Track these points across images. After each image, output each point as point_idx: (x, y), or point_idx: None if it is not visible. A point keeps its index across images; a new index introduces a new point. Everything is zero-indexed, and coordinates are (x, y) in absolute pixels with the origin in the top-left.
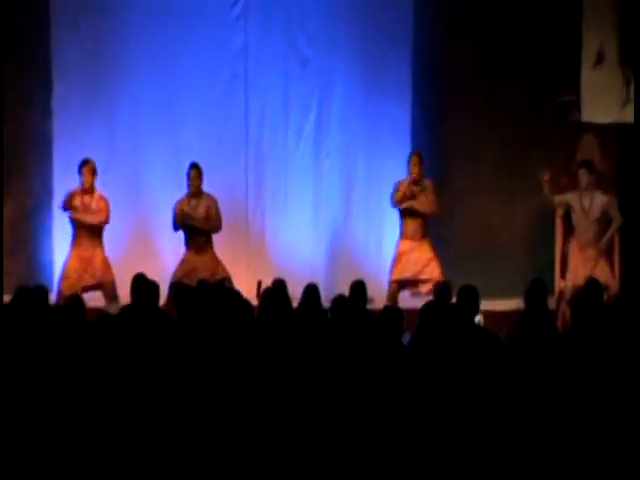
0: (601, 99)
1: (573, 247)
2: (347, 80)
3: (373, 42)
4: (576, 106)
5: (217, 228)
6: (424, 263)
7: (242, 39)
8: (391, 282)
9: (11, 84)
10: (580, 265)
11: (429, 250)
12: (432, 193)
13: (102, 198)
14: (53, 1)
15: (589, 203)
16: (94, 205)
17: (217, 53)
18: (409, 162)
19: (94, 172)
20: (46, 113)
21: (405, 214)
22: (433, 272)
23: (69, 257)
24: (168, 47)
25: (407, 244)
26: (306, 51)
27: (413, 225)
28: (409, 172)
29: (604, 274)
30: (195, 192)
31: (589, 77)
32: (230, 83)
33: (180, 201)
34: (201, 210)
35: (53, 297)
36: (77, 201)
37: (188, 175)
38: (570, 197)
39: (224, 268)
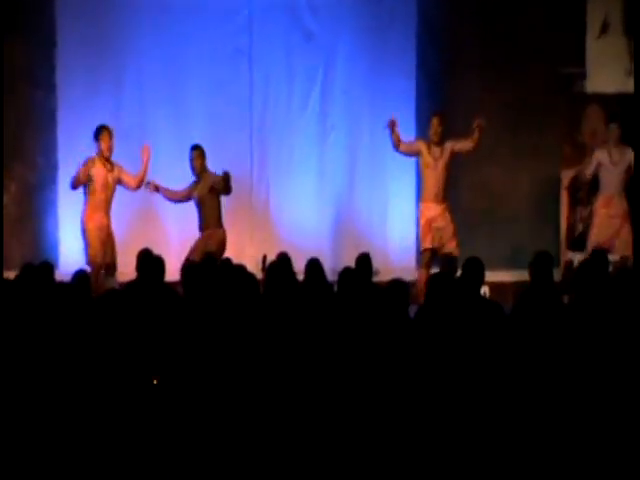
0: (606, 69)
1: (598, 204)
2: (351, 52)
3: (377, 14)
4: (581, 76)
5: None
6: (449, 236)
7: (246, 13)
8: (423, 251)
9: (13, 58)
10: (605, 223)
11: (451, 220)
12: (459, 140)
13: (122, 167)
14: None
15: (619, 156)
16: (117, 175)
17: (221, 27)
18: (430, 123)
19: (112, 139)
20: (49, 87)
21: (426, 174)
22: (454, 248)
23: (88, 227)
24: (172, 22)
25: (431, 208)
26: (310, 24)
27: (434, 183)
28: (430, 134)
29: (627, 239)
30: (198, 174)
31: (594, 47)
32: (234, 56)
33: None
34: (204, 190)
35: (58, 273)
36: (99, 169)
37: (190, 157)
38: (600, 154)
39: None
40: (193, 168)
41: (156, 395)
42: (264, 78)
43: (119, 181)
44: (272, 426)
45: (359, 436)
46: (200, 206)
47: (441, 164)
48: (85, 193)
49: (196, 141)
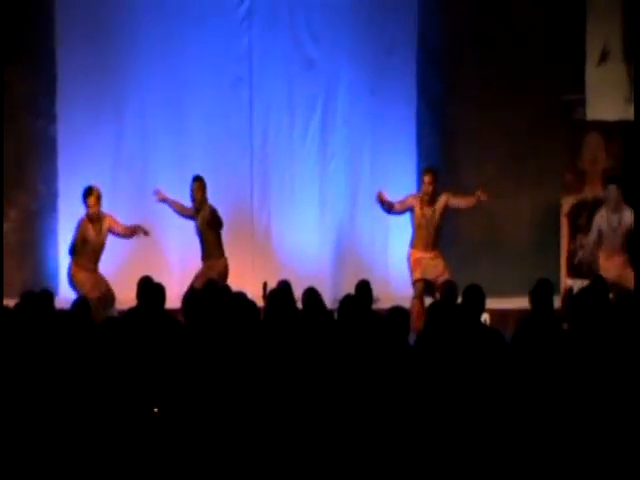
0: (606, 97)
1: (601, 255)
2: (352, 80)
3: (378, 42)
4: (581, 104)
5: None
6: (440, 271)
7: (247, 40)
8: (415, 282)
9: (14, 87)
10: (610, 268)
11: (442, 260)
12: (457, 195)
13: (113, 219)
14: (58, 4)
15: (617, 220)
16: (108, 228)
17: (222, 55)
18: (422, 179)
19: (99, 199)
20: (50, 117)
21: (418, 225)
22: (446, 273)
23: (77, 278)
24: (173, 50)
25: (420, 254)
26: (311, 51)
27: (426, 238)
28: (420, 190)
29: (632, 279)
30: (197, 206)
31: (594, 75)
32: (235, 84)
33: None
34: (204, 223)
35: (58, 300)
36: (90, 231)
37: (191, 188)
38: (599, 220)
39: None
40: (194, 199)
41: (157, 424)
42: (265, 106)
43: (110, 232)
44: (274, 452)
45: (360, 461)
46: (201, 237)
47: (432, 224)
48: (73, 253)
49: (197, 169)
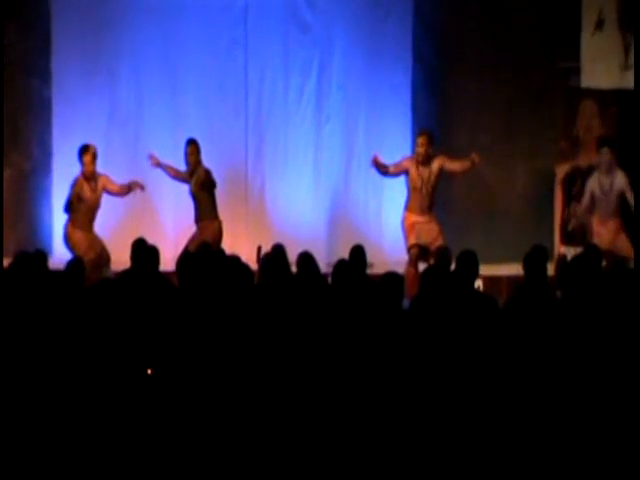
0: (601, 65)
1: (594, 220)
2: (348, 44)
3: (373, 7)
4: (576, 72)
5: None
6: (434, 236)
7: (243, 3)
8: (410, 247)
9: (9, 47)
10: (604, 234)
11: (437, 224)
12: (452, 159)
13: (108, 179)
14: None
15: (610, 183)
16: (103, 187)
17: (217, 18)
18: (415, 141)
19: (95, 157)
20: (45, 77)
21: (413, 187)
22: (441, 242)
23: (73, 238)
24: (169, 13)
25: (415, 217)
26: (306, 16)
27: (421, 200)
28: (414, 152)
29: (625, 246)
30: (191, 168)
31: (589, 43)
32: (230, 48)
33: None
34: (198, 186)
35: (52, 261)
36: (85, 189)
37: (185, 151)
38: (592, 184)
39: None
40: (188, 162)
41: (150, 385)
42: (260, 70)
43: (105, 191)
44: (266, 415)
45: (353, 426)
46: (194, 199)
47: (429, 185)
48: (68, 211)
49: (191, 132)
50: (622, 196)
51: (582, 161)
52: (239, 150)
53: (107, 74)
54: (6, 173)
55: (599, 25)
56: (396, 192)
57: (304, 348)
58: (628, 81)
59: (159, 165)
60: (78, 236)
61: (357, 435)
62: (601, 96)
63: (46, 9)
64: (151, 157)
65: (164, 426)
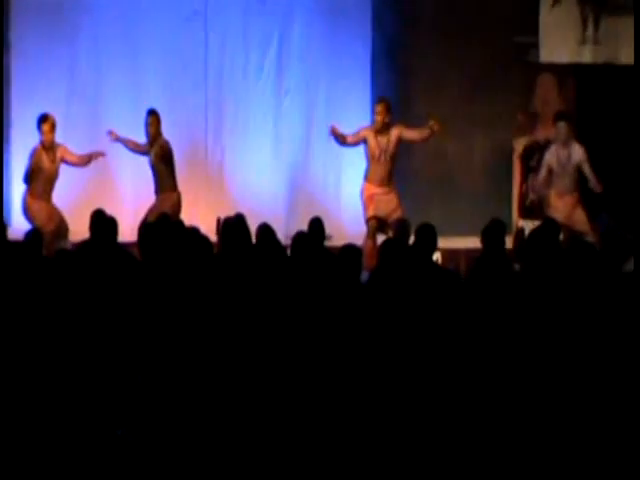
0: (559, 39)
1: (552, 193)
2: (307, 15)
3: None
4: (534, 46)
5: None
6: (393, 207)
7: None
8: (368, 219)
9: None
10: (561, 207)
11: (396, 195)
12: (409, 129)
13: (67, 149)
14: None
15: (567, 156)
16: (61, 158)
17: None
18: (373, 109)
19: (54, 127)
20: (4, 46)
21: (372, 156)
22: (401, 216)
23: (32, 209)
24: None
25: (374, 189)
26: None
27: (380, 170)
28: (375, 121)
29: (582, 221)
30: (152, 140)
31: (547, 17)
32: (190, 18)
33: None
34: (158, 157)
35: (11, 232)
36: (44, 159)
37: (145, 122)
38: (549, 157)
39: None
40: (148, 133)
41: (110, 359)
42: (220, 40)
43: (63, 161)
44: (223, 384)
45: (312, 399)
46: (154, 171)
47: (387, 155)
48: (27, 181)
49: (151, 102)
50: (579, 170)
51: (540, 135)
52: (199, 121)
53: (66, 44)
54: None
55: (556, 1)
56: (355, 164)
57: (262, 318)
58: (586, 55)
59: (118, 139)
60: (37, 207)
61: (314, 405)
62: (559, 70)
63: None
64: (110, 133)
65: (121, 399)
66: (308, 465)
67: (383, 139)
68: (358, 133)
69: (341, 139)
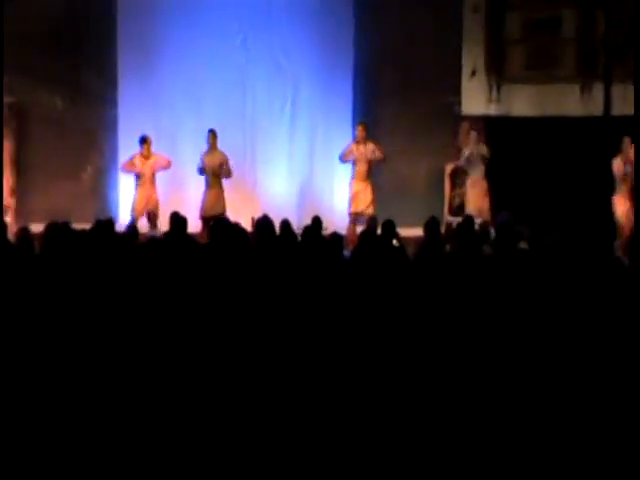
0: (474, 99)
1: (469, 185)
2: (311, 78)
3: (322, 68)
4: (458, 103)
5: (228, 175)
6: (367, 204)
7: (244, 59)
8: (351, 214)
9: (87, 84)
10: (474, 198)
11: (371, 192)
12: (378, 149)
13: (160, 156)
14: (120, 22)
15: (477, 154)
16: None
17: (222, 49)
18: (356, 129)
19: (150, 144)
20: (113, 104)
21: (357, 162)
22: (372, 211)
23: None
24: (192, 54)
25: (359, 184)
26: (283, 63)
27: (361, 169)
28: (355, 136)
29: (486, 208)
30: (212, 149)
31: (467, 84)
32: (235, 82)
33: (203, 154)
34: (216, 161)
35: (119, 227)
36: (137, 161)
37: (207, 137)
38: (467, 151)
39: (223, 205)
40: (210, 145)
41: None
42: (254, 93)
43: (159, 167)
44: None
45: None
46: (213, 174)
47: (365, 158)
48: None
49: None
50: (484, 159)
51: (461, 162)
52: (240, 147)
53: (154, 100)
54: (88, 168)
55: (473, 73)
56: (343, 181)
57: (295, 288)
58: (492, 109)
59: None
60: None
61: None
62: (474, 119)
63: (114, 53)
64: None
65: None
66: (297, 450)
67: (362, 147)
68: (347, 152)
69: (344, 159)
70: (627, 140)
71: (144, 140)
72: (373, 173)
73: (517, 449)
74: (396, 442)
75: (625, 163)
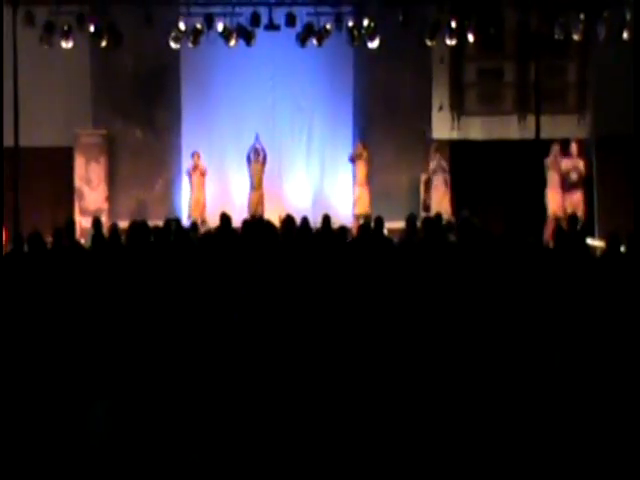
0: (442, 126)
1: (434, 188)
2: (321, 117)
3: (329, 105)
4: (430, 131)
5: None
6: (366, 205)
7: (271, 99)
8: (354, 215)
9: (158, 118)
10: (435, 198)
11: (368, 195)
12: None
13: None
14: (182, 70)
15: (438, 167)
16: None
17: (259, 105)
18: (356, 147)
19: (200, 157)
20: (177, 133)
21: (358, 167)
22: (369, 210)
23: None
24: (235, 94)
25: (359, 189)
26: (301, 102)
27: (362, 174)
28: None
29: (446, 207)
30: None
31: (436, 115)
32: (265, 114)
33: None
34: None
35: (185, 222)
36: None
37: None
38: (432, 164)
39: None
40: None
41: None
42: (280, 122)
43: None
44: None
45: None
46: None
47: (365, 169)
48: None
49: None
50: (443, 170)
51: (431, 174)
52: (269, 163)
53: (210, 125)
54: (160, 181)
55: (440, 108)
56: (345, 185)
57: (306, 268)
58: (454, 135)
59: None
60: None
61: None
62: (441, 143)
63: (177, 94)
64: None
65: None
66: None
67: (364, 156)
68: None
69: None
70: (556, 147)
71: (194, 154)
72: (368, 181)
73: (503, 429)
74: (385, 427)
75: (555, 156)
